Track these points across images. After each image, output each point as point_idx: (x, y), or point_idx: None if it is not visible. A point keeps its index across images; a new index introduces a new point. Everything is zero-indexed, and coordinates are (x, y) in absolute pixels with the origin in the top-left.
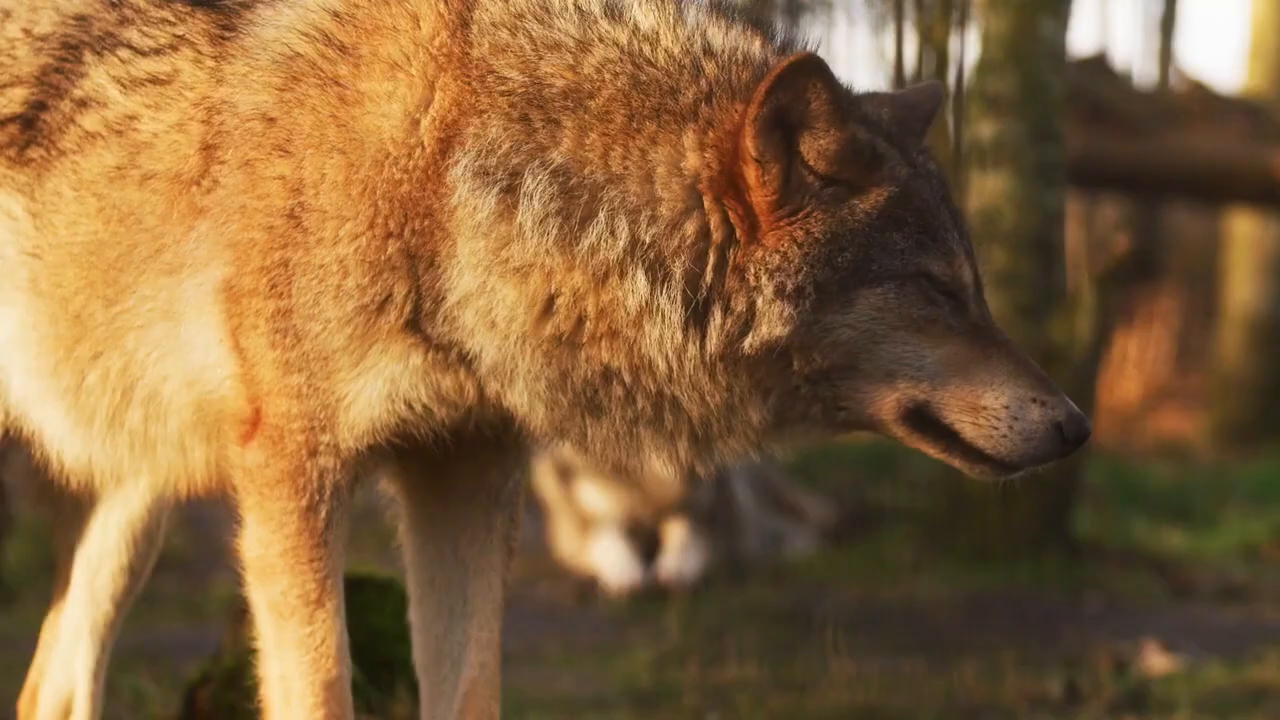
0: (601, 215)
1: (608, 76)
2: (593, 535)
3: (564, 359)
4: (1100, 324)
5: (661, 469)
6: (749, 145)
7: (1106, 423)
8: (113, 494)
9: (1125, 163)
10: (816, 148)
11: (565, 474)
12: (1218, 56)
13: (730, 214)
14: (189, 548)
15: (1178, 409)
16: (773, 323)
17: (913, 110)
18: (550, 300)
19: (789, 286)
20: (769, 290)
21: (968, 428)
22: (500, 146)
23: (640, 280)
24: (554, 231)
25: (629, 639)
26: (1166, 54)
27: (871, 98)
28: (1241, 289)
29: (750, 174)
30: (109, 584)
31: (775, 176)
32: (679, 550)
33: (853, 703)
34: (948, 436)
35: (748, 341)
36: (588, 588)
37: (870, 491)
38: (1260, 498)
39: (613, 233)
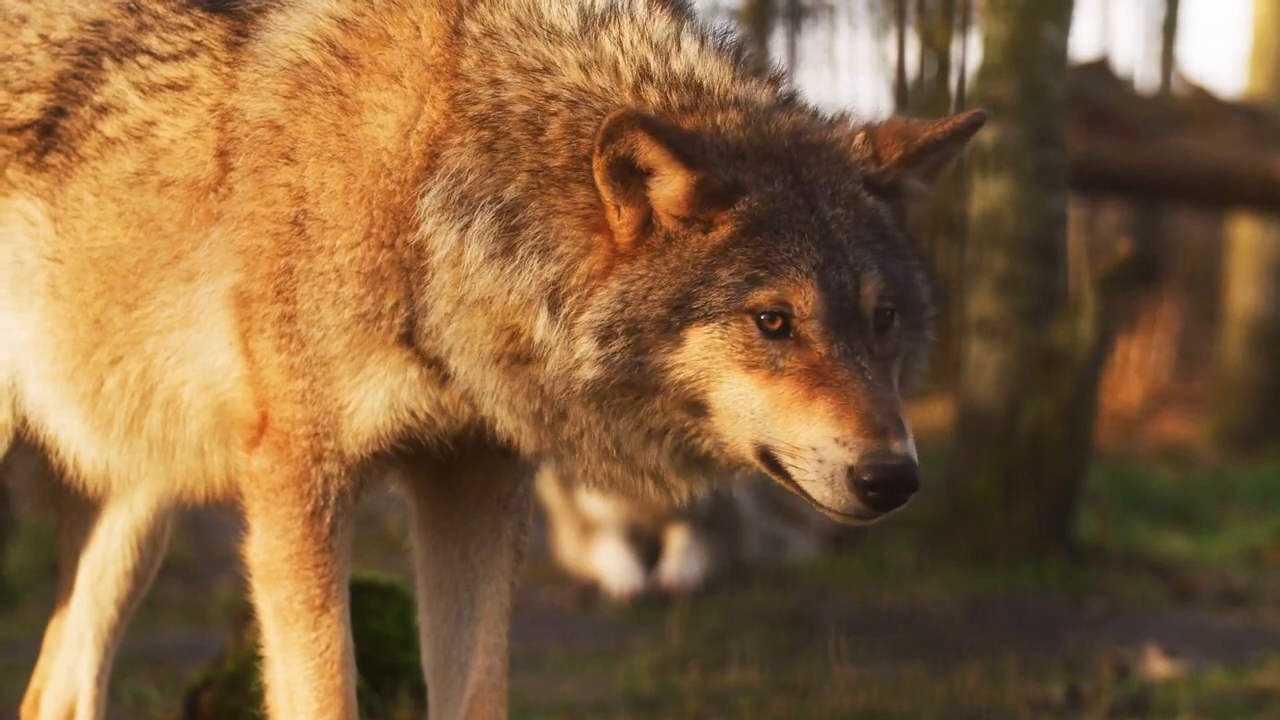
0: (520, 252)
1: (557, 107)
2: (594, 540)
3: (518, 382)
4: (1102, 328)
5: (649, 499)
6: (602, 191)
7: (1108, 427)
8: (118, 499)
9: (1127, 167)
10: (665, 195)
11: (567, 480)
12: (1219, 61)
13: (605, 253)
14: (191, 552)
15: (1179, 413)
16: (582, 362)
17: (907, 140)
18: (511, 330)
19: (596, 324)
20: (580, 328)
21: (793, 470)
22: (466, 179)
23: (543, 316)
24: (495, 270)
25: (631, 644)
26: (1168, 58)
27: (896, 125)
28: (1243, 293)
29: (610, 217)
30: (113, 589)
31: (630, 219)
32: (680, 555)
33: (854, 707)
34: (793, 480)
35: (576, 382)
36: (589, 593)
37: None
38: (1262, 502)
39: (526, 270)
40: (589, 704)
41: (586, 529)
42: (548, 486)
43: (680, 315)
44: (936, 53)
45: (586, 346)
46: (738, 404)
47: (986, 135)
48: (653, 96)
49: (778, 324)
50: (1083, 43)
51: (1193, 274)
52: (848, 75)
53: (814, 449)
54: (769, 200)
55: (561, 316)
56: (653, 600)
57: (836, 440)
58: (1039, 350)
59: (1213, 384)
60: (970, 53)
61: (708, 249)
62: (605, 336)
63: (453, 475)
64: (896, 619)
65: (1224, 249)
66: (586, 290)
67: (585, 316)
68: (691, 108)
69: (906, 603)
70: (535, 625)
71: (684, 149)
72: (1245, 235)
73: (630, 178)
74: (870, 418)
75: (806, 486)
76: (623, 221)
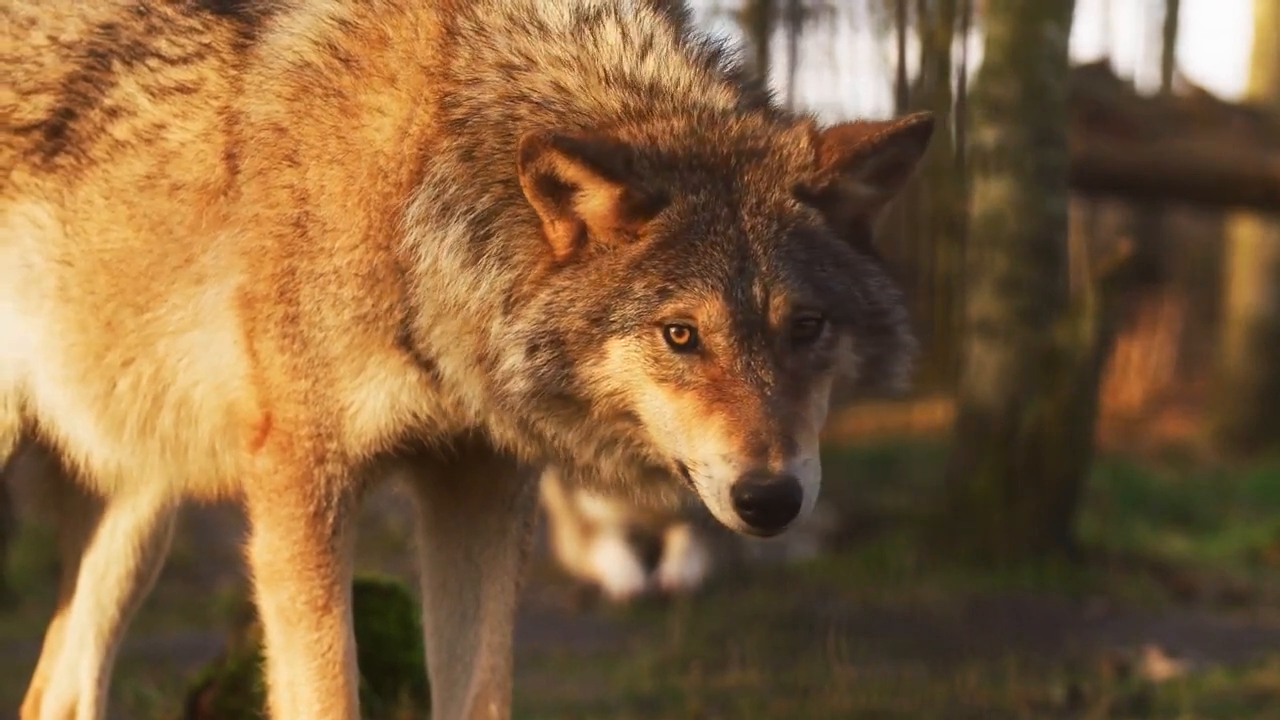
0: (484, 259)
1: (525, 110)
2: (595, 541)
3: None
4: (1103, 328)
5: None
6: (534, 206)
7: (1109, 427)
8: (121, 500)
9: (1128, 167)
10: (590, 209)
11: (567, 481)
12: (1220, 61)
13: (547, 263)
14: (193, 552)
15: (1180, 413)
16: (511, 374)
17: (845, 144)
18: (485, 334)
19: (524, 334)
20: (511, 337)
21: (696, 483)
22: (449, 188)
23: (498, 321)
24: (466, 276)
25: (631, 645)
26: (1169, 59)
27: (844, 128)
28: (1244, 293)
29: (548, 230)
30: (115, 589)
31: (564, 232)
32: (681, 556)
33: (855, 708)
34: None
35: (510, 395)
36: (590, 593)
37: (872, 496)
38: (1262, 502)
39: (488, 277)
40: (590, 704)
41: (587, 530)
42: (549, 487)
43: (600, 328)
44: (937, 53)
45: (515, 358)
46: (656, 417)
47: (988, 135)
48: (614, 99)
49: (685, 337)
50: (1084, 43)
51: (1193, 274)
52: (849, 76)
53: (706, 464)
54: (690, 211)
55: (507, 323)
56: (653, 601)
57: (723, 457)
58: (1039, 350)
59: (1213, 384)
60: (971, 53)
61: (625, 261)
62: (531, 348)
63: (458, 475)
64: (896, 619)
65: (1224, 249)
66: (528, 298)
67: (517, 326)
68: (644, 113)
69: (906, 603)
70: (536, 625)
71: (603, 163)
72: (1246, 235)
73: (559, 193)
74: (756, 435)
75: (705, 501)
76: (558, 235)
